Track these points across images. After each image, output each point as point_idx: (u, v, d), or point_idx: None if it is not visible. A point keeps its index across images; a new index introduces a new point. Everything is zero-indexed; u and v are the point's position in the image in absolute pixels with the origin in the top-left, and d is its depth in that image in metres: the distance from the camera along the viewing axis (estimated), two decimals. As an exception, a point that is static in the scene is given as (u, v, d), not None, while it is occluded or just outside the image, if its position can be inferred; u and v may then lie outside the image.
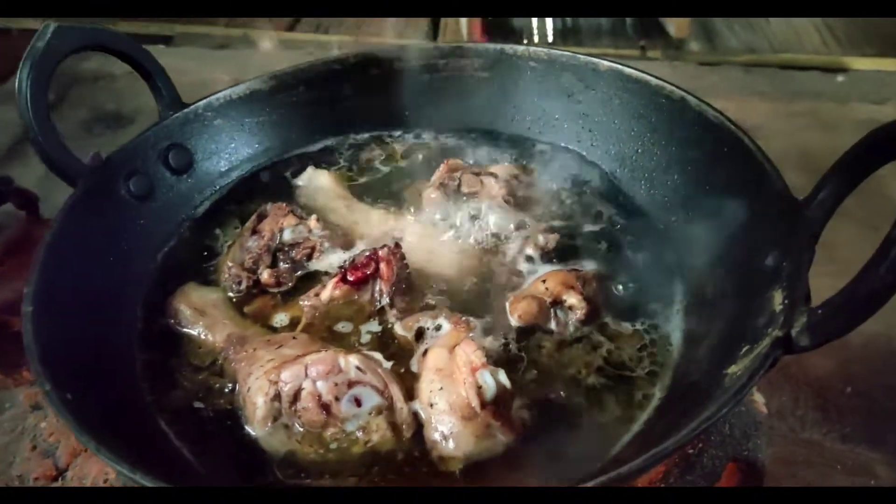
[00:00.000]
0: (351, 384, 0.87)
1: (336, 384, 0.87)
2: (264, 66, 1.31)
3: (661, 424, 0.82)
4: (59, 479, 1.69)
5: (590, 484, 0.60)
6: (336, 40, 4.36)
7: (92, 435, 0.68)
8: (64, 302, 0.88)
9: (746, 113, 2.88)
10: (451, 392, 0.86)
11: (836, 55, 3.72)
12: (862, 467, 1.42)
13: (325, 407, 0.86)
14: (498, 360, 0.91)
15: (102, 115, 3.00)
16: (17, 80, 0.98)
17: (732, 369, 0.76)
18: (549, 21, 4.58)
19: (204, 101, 1.20)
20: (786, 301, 0.75)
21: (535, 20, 4.60)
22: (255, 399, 0.86)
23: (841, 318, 0.68)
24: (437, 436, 0.84)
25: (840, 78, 3.12)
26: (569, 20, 4.64)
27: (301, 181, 1.24)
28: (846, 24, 4.18)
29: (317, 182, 1.23)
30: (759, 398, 1.89)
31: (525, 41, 4.24)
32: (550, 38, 4.44)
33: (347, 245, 1.13)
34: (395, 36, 4.21)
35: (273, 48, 3.91)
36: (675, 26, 4.10)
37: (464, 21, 4.02)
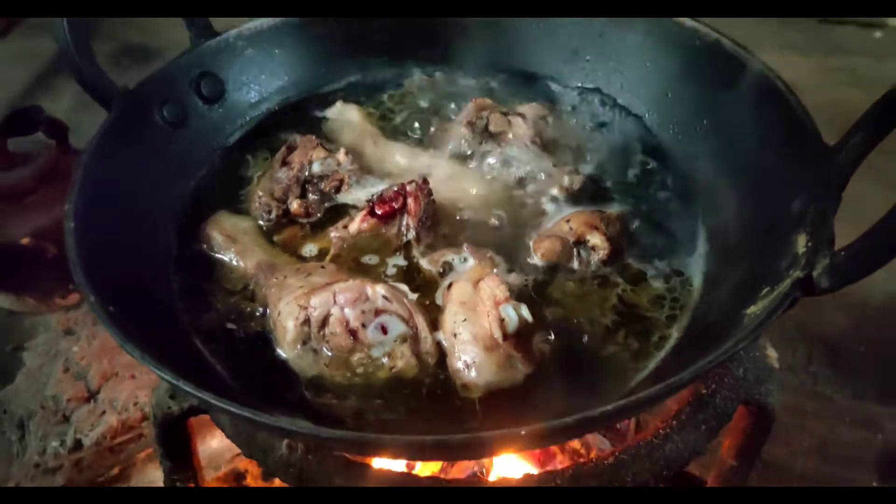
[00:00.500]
0: (378, 312, 0.90)
1: (363, 312, 0.90)
2: None
3: (677, 362, 0.84)
4: (91, 400, 1.77)
5: (608, 407, 0.63)
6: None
7: (135, 343, 0.71)
8: (103, 221, 0.90)
9: (781, 67, 2.80)
10: (475, 324, 0.89)
11: (877, 10, 3.58)
12: (869, 421, 1.44)
13: (353, 333, 0.89)
14: (520, 295, 0.93)
15: (130, 49, 3.01)
16: None
17: (752, 309, 0.78)
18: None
19: (235, 30, 1.21)
20: (809, 244, 0.76)
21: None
22: (286, 323, 0.90)
23: (863, 261, 0.69)
24: (460, 364, 0.87)
25: (878, 34, 3.02)
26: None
27: (330, 115, 1.25)
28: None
29: (346, 116, 1.24)
30: (771, 353, 1.91)
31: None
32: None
33: (375, 180, 1.14)
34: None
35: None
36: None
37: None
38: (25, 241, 1.83)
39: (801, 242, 0.79)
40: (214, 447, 1.50)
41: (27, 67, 2.90)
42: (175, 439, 1.05)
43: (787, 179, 0.89)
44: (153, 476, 1.53)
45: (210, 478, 1.46)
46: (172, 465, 1.08)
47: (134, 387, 1.75)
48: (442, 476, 1.07)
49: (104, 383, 1.78)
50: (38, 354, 1.89)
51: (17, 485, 1.57)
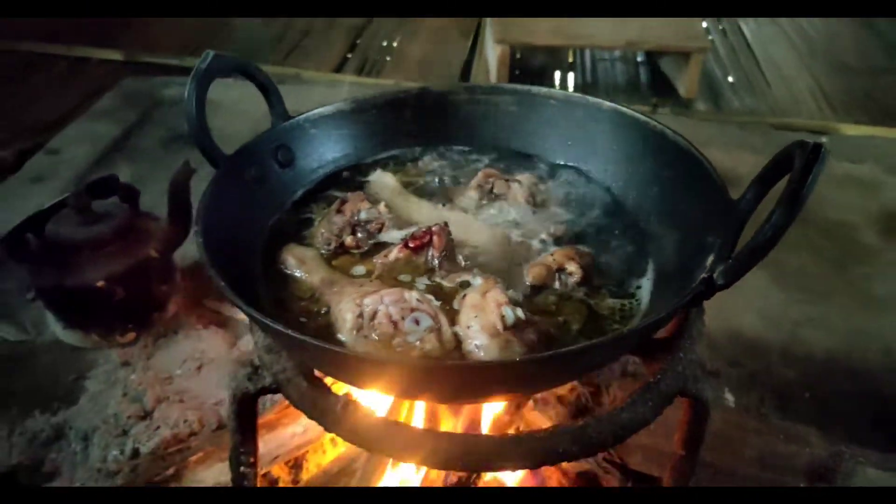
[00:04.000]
0: (413, 310, 1.24)
1: (402, 308, 1.23)
2: (315, 101, 1.70)
3: (628, 345, 1.18)
4: (147, 418, 2.06)
5: (560, 351, 0.97)
6: (372, 82, 4.84)
7: (244, 300, 1.05)
8: (215, 241, 1.25)
9: (738, 163, 3.27)
10: (483, 319, 1.22)
11: (830, 120, 4.12)
12: (800, 438, 1.74)
13: (394, 324, 1.22)
14: (516, 303, 1.27)
15: (177, 135, 3.46)
16: (186, 92, 1.38)
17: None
18: (570, 77, 5.04)
19: (303, 115, 1.61)
20: (713, 258, 1.12)
21: (557, 77, 5.08)
22: (345, 315, 1.23)
23: (742, 264, 1.05)
24: (472, 347, 1.20)
25: (824, 139, 3.51)
26: (589, 77, 5.11)
27: (372, 179, 1.63)
28: (843, 93, 4.57)
29: (383, 181, 1.62)
30: (729, 396, 2.24)
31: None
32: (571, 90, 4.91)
33: (407, 227, 1.51)
34: (430, 82, 4.70)
35: (321, 86, 4.40)
36: (684, 87, 4.53)
37: (493, 74, 4.49)
38: (100, 284, 2.17)
39: (710, 260, 1.14)
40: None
41: (92, 145, 3.34)
42: (247, 415, 1.36)
43: (706, 224, 1.26)
44: (202, 476, 1.79)
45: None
46: (241, 437, 1.39)
47: (183, 408, 2.04)
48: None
49: (158, 405, 2.07)
50: (99, 382, 2.19)
51: (81, 485, 1.84)
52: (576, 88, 4.81)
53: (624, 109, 1.57)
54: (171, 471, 1.80)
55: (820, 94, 4.48)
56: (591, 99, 1.62)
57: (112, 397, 2.11)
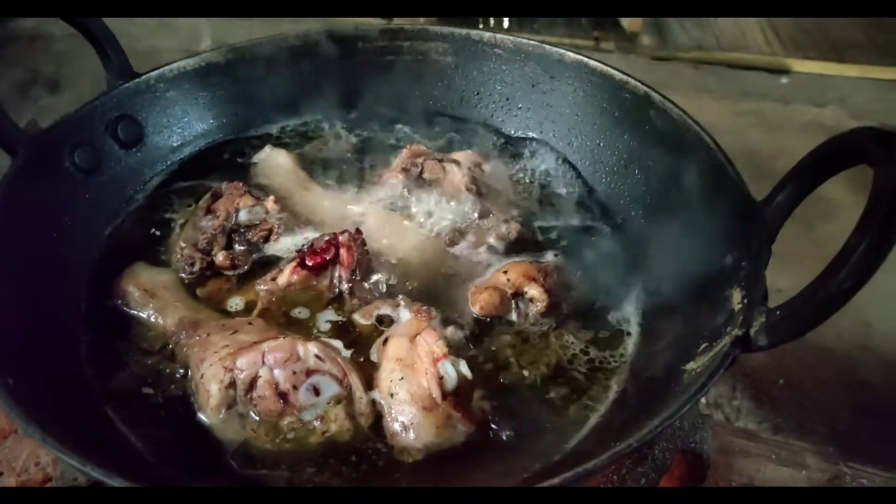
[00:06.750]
0: (309, 372, 0.86)
1: (294, 372, 0.85)
2: (218, 37, 1.25)
3: (619, 418, 0.83)
4: (-13, 461, 1.61)
5: (555, 481, 0.61)
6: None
7: (38, 425, 0.64)
8: (2, 279, 0.82)
9: (696, 110, 2.94)
10: (412, 382, 0.85)
11: (779, 56, 3.84)
12: (793, 457, 1.48)
13: (283, 395, 0.84)
14: (458, 350, 0.91)
15: (40, 78, 2.85)
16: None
17: (691, 366, 0.78)
18: (505, 6, 4.56)
19: (156, 71, 1.15)
20: (745, 301, 0.77)
21: (492, 5, 4.58)
22: (209, 386, 0.84)
23: (799, 320, 0.70)
24: (397, 426, 0.83)
25: (784, 80, 3.23)
26: (525, 7, 4.64)
27: (258, 159, 1.20)
28: (790, 26, 4.31)
29: (275, 161, 1.20)
30: (699, 388, 1.95)
31: (481, 25, 4.23)
32: (506, 24, 4.43)
33: (305, 229, 1.10)
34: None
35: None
36: (628, 20, 4.14)
37: None
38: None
39: (737, 298, 0.80)
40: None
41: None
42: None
43: (718, 234, 0.91)
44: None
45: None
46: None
47: (35, 445, 1.60)
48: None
49: (2, 441, 1.62)
50: (-73, 412, 1.72)
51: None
52: (511, 21, 4.36)
53: (593, 63, 1.18)
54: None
55: (767, 25, 4.21)
56: (549, 48, 1.22)
57: (-58, 433, 1.65)
